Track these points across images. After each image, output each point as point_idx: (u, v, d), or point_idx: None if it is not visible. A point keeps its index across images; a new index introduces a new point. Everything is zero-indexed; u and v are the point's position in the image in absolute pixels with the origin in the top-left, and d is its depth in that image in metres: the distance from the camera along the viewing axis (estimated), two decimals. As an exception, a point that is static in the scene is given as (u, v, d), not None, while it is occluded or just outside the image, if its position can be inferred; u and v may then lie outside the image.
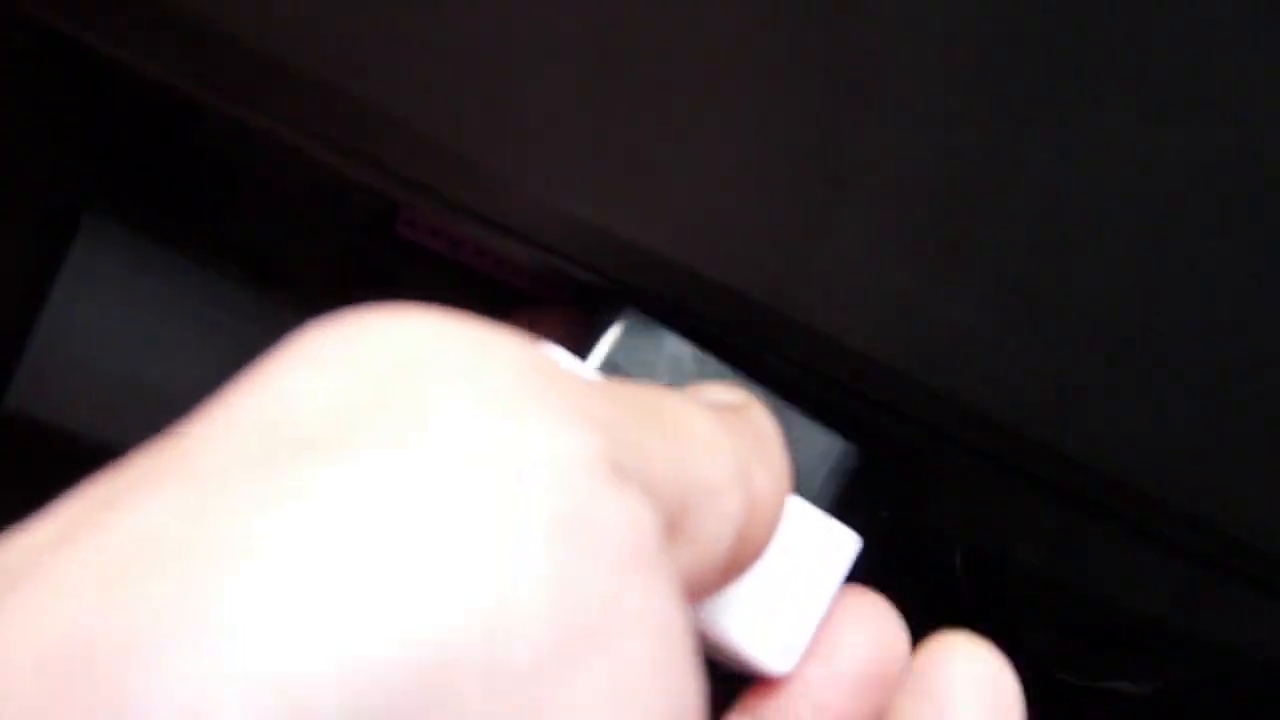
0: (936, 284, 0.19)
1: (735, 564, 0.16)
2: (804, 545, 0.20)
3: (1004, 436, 0.23)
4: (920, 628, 0.50)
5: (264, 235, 0.23)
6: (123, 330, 0.20)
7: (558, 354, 0.18)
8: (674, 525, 0.14)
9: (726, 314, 0.20)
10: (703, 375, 0.19)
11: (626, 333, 0.18)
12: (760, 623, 0.19)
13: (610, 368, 0.18)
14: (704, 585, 0.16)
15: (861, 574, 0.46)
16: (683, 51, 0.17)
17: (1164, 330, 0.21)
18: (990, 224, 0.18)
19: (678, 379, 0.19)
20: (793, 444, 0.19)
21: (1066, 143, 0.18)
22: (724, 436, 0.16)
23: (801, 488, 0.20)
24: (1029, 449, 0.23)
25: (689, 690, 0.12)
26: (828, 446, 0.21)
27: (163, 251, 0.21)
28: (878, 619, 0.20)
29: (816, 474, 0.21)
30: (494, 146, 0.17)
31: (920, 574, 0.43)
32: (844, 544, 0.21)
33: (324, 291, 0.24)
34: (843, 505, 0.21)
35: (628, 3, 0.16)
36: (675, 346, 0.19)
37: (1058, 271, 0.20)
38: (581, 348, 0.19)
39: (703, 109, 0.18)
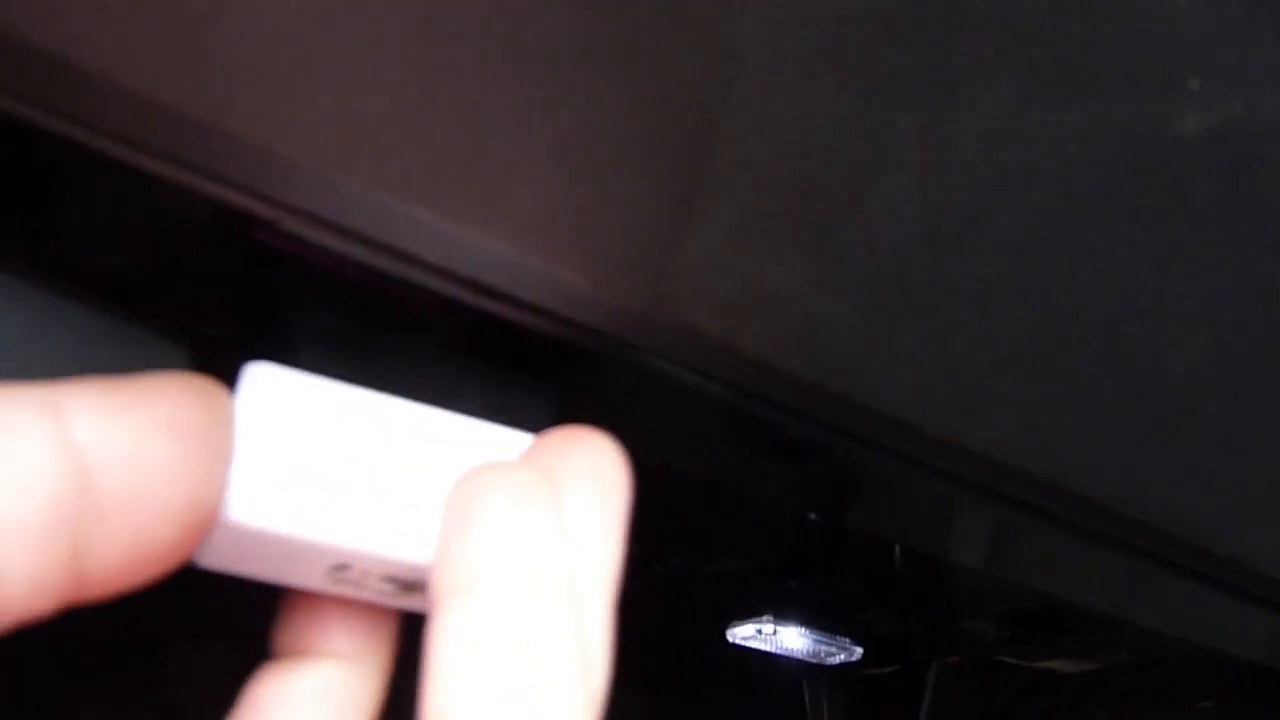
0: (816, 281, 0.19)
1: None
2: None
3: (914, 437, 0.23)
4: (864, 618, 0.51)
5: (103, 251, 0.22)
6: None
7: None
8: None
9: (611, 324, 0.19)
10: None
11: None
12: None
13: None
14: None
15: (799, 567, 0.47)
16: (520, 39, 0.16)
17: (1062, 319, 0.22)
18: (858, 211, 0.18)
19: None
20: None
21: (944, 126, 0.18)
22: None
23: None
24: (940, 448, 0.24)
25: None
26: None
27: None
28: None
29: None
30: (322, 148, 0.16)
31: (860, 567, 0.44)
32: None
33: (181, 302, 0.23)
34: None
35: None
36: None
37: (945, 265, 0.20)
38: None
39: (548, 99, 0.17)
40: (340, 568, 0.18)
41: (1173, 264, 0.21)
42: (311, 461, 0.18)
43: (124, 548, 0.16)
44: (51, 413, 0.15)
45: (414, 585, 0.19)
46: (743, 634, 0.50)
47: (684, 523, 0.39)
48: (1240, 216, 0.20)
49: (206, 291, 0.25)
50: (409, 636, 0.21)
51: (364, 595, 0.19)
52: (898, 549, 0.41)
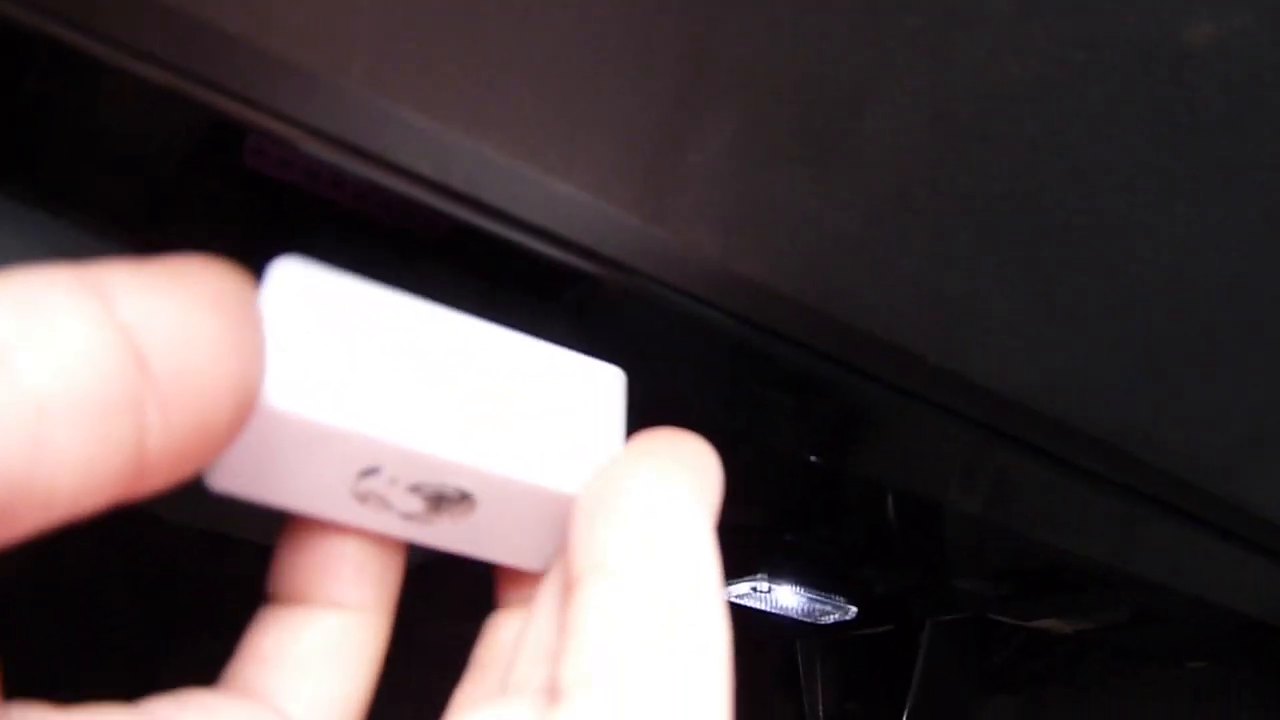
0: (817, 194, 0.19)
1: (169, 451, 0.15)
2: (571, 388, 0.19)
3: (915, 367, 0.23)
4: (859, 576, 0.50)
5: (94, 177, 0.21)
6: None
7: None
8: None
9: (604, 241, 0.19)
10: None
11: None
12: (544, 456, 0.18)
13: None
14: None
15: (795, 521, 0.47)
16: None
17: (1067, 239, 0.21)
18: (862, 122, 0.18)
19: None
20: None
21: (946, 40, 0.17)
22: None
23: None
24: (941, 379, 0.24)
25: None
26: (608, 376, 0.20)
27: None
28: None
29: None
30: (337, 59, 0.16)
31: (856, 522, 0.43)
32: (611, 378, 0.20)
33: (172, 233, 0.23)
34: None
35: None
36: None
37: (949, 179, 0.19)
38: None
39: (553, 18, 0.17)
40: (369, 473, 0.18)
41: (1179, 181, 0.20)
42: (344, 353, 0.17)
43: (182, 429, 0.15)
44: (95, 292, 0.14)
45: (442, 498, 0.18)
46: (737, 592, 0.50)
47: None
48: (1248, 131, 0.19)
49: (200, 219, 0.24)
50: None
51: (382, 523, 0.19)
52: (894, 502, 0.41)
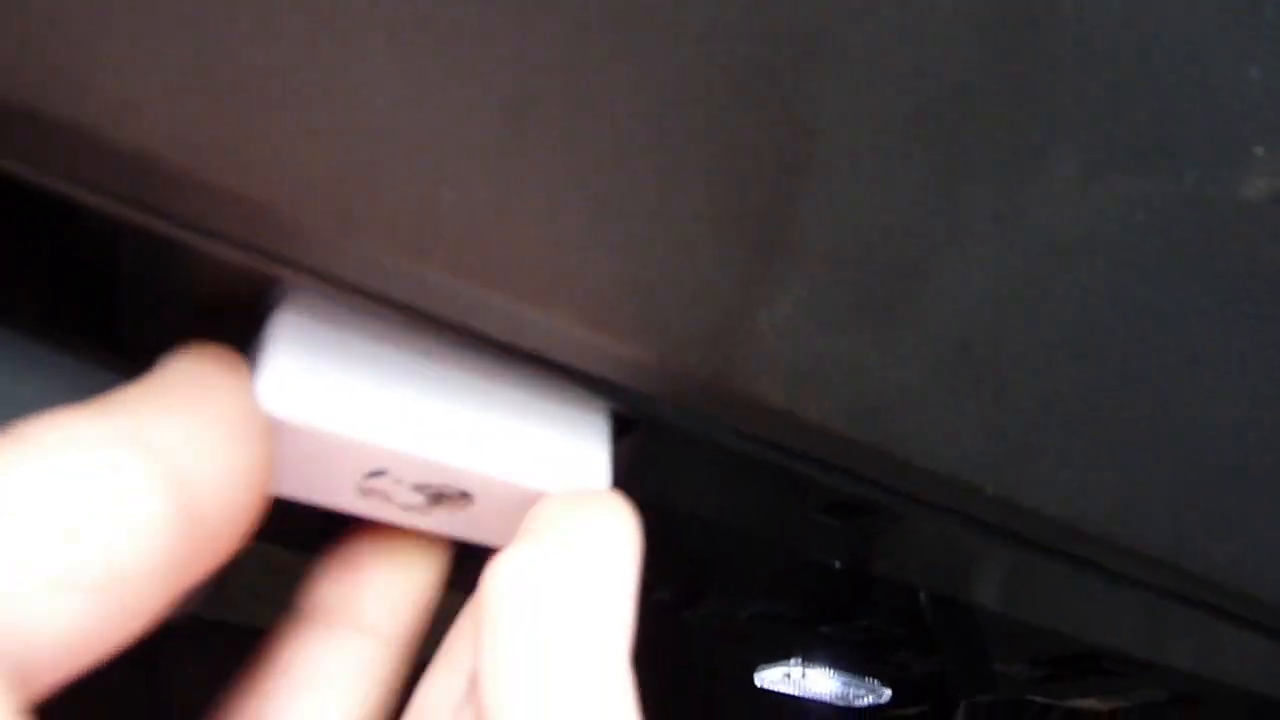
0: (883, 350, 0.19)
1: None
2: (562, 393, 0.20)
3: (950, 490, 0.23)
4: (894, 660, 0.50)
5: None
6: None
7: None
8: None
9: (660, 388, 0.19)
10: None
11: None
12: (539, 461, 0.19)
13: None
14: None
15: (831, 610, 0.47)
16: (597, 120, 0.16)
17: (1124, 385, 0.22)
18: (928, 282, 0.18)
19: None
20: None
21: (1010, 199, 0.18)
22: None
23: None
24: (977, 500, 0.24)
25: None
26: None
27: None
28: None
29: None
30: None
31: (892, 610, 0.43)
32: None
33: None
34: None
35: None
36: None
37: (1010, 333, 0.20)
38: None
39: (627, 181, 0.17)
40: (375, 474, 0.18)
41: (1234, 322, 0.21)
42: (353, 365, 0.18)
43: (221, 556, 0.16)
44: (149, 451, 0.15)
45: (442, 495, 0.19)
46: (770, 678, 0.49)
47: (720, 569, 0.39)
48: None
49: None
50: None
51: (381, 513, 0.19)
52: (929, 593, 0.41)
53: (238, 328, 0.19)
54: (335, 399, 0.17)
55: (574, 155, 0.16)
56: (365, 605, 0.19)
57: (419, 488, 0.19)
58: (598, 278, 0.17)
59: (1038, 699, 0.49)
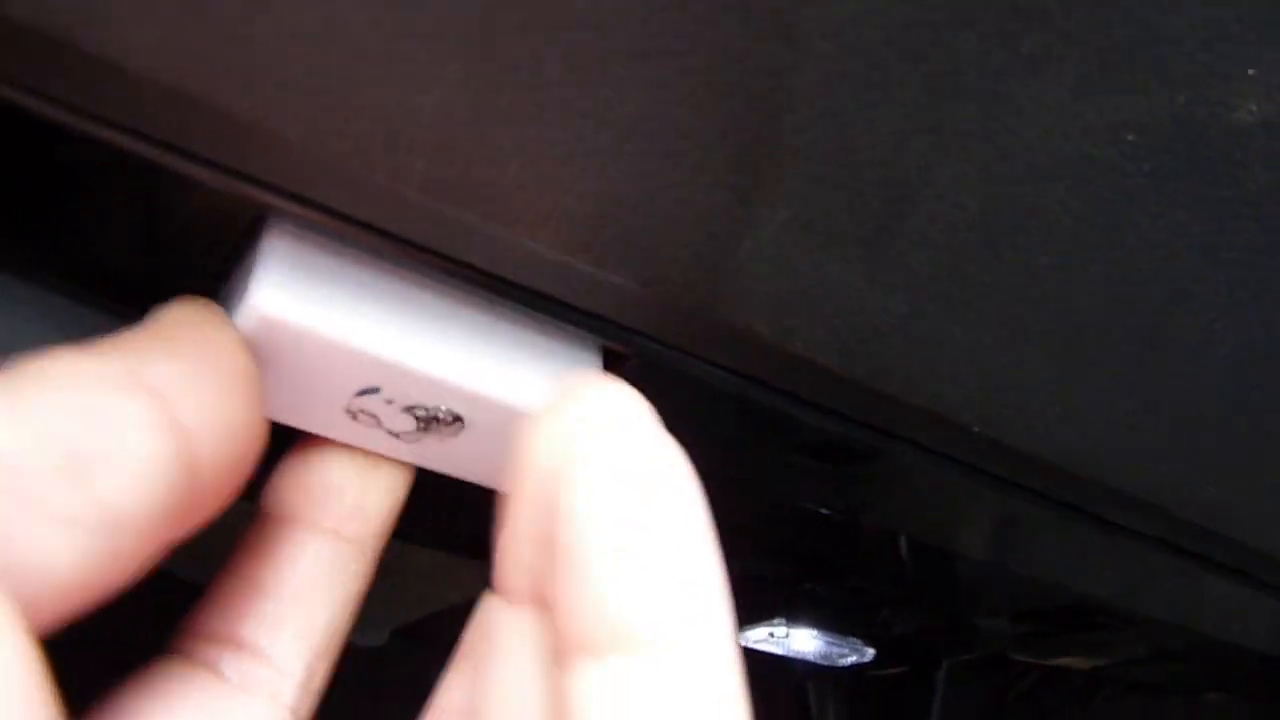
0: (870, 276, 0.19)
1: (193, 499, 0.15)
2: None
3: (960, 436, 0.23)
4: (878, 619, 0.50)
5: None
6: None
7: None
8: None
9: (645, 319, 0.19)
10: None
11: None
12: (536, 383, 0.19)
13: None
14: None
15: (814, 568, 0.47)
16: (577, 33, 0.16)
17: (1112, 312, 0.21)
18: (916, 205, 0.18)
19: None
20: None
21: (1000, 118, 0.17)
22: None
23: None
24: (984, 447, 0.24)
25: None
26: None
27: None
28: None
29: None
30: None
31: (876, 567, 0.43)
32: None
33: None
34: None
35: None
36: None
37: (999, 258, 0.19)
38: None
39: (605, 96, 0.16)
40: (367, 391, 0.18)
41: (1223, 253, 0.20)
42: (353, 280, 0.17)
43: (214, 508, 0.16)
44: (151, 395, 0.14)
45: (434, 420, 0.19)
46: (754, 637, 0.49)
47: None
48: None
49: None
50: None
51: (368, 439, 0.19)
52: (913, 546, 0.41)
53: (217, 271, 0.19)
54: (332, 308, 0.17)
55: (549, 70, 0.16)
56: (332, 505, 0.19)
57: (410, 409, 0.18)
58: (576, 200, 0.17)
59: (1021, 658, 0.50)
